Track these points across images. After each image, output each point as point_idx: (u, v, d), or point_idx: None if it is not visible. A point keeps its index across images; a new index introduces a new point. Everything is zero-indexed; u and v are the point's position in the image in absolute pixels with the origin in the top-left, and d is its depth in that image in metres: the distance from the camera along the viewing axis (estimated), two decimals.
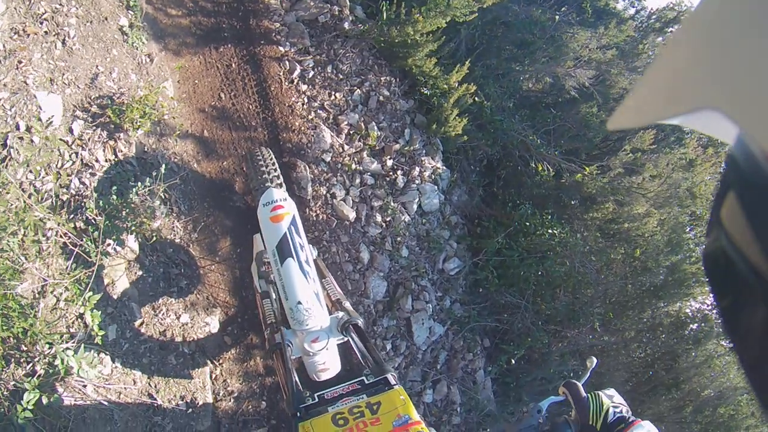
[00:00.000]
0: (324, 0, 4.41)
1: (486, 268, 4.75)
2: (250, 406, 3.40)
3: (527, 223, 4.78)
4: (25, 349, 2.31)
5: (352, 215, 4.11)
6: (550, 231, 4.78)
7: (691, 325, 5.32)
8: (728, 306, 0.43)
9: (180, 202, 3.44)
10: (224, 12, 4.19)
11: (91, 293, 2.52)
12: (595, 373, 2.76)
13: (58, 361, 2.26)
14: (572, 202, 4.92)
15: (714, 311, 5.75)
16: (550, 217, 4.81)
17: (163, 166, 3.09)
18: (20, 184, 2.48)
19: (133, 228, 2.89)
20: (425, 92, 4.60)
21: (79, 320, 2.56)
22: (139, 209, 2.91)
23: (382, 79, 4.50)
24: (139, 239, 3.05)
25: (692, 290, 5.02)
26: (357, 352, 2.56)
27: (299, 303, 2.48)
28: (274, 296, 2.85)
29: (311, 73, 4.25)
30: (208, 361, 3.29)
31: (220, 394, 3.32)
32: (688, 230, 5.47)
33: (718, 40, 0.39)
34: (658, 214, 4.91)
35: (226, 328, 3.46)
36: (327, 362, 2.64)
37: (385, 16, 4.25)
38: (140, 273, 3.08)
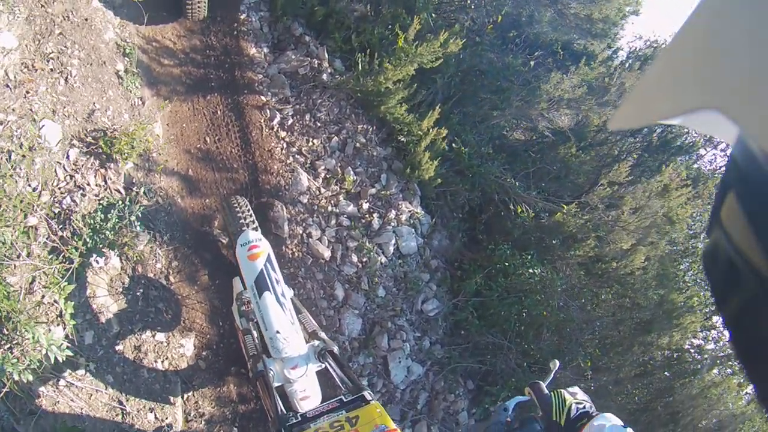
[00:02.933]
0: (305, 53, 4.73)
1: (465, 309, 4.76)
2: (221, 431, 3.47)
3: (507, 264, 4.80)
4: (6, 332, 2.56)
5: (327, 254, 4.24)
6: (530, 271, 4.78)
7: (685, 357, 5.22)
8: (727, 306, 0.42)
9: (163, 231, 3.69)
10: (212, 64, 4.54)
11: (66, 283, 2.79)
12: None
13: (29, 335, 2.49)
14: (554, 242, 4.93)
15: (707, 340, 5.63)
16: (530, 257, 4.83)
17: (144, 193, 3.43)
18: (19, 195, 2.83)
19: (115, 245, 3.19)
20: (402, 140, 4.80)
21: (56, 310, 2.84)
22: (123, 231, 3.21)
23: (359, 127, 4.73)
24: (122, 259, 3.32)
25: (681, 320, 4.94)
26: (336, 376, 2.75)
27: (277, 332, 2.72)
28: (255, 333, 3.05)
29: (290, 121, 4.51)
30: (180, 381, 3.42)
31: (192, 415, 3.43)
32: (676, 263, 5.45)
33: (717, 40, 0.39)
34: (645, 249, 4.88)
35: (201, 353, 3.61)
36: (307, 389, 2.82)
37: (360, 67, 4.52)
38: (120, 289, 3.32)
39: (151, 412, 3.19)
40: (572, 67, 5.10)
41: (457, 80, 5.02)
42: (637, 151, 5.55)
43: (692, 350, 5.78)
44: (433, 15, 4.95)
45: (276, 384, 2.69)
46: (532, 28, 5.46)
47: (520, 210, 4.85)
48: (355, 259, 4.36)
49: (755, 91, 0.34)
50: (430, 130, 4.54)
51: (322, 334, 2.94)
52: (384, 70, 4.38)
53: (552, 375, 2.89)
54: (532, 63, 5.07)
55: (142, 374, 3.23)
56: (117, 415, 3.03)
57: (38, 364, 2.59)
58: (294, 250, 4.21)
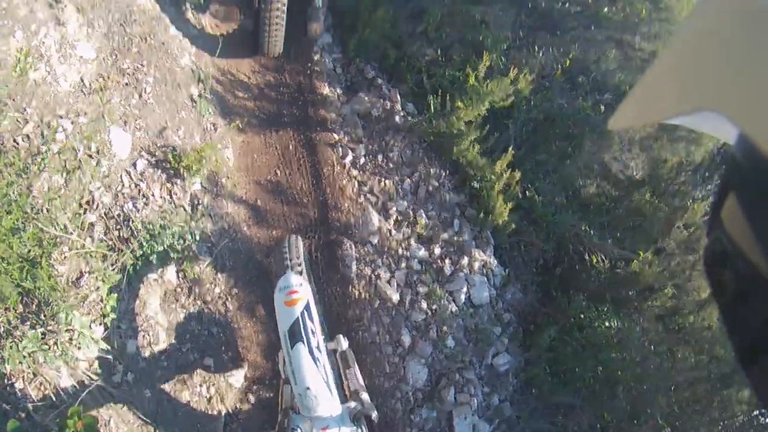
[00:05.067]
0: (377, 96, 4.73)
1: (538, 365, 4.48)
2: None
3: (582, 316, 4.55)
4: (43, 317, 2.46)
5: (395, 297, 4.07)
6: (606, 324, 4.51)
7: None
8: (728, 306, 0.43)
9: (226, 257, 3.62)
10: (286, 100, 4.60)
11: (113, 272, 2.71)
12: None
13: (62, 315, 2.39)
14: (630, 293, 4.66)
15: None
16: (606, 309, 4.57)
17: (209, 215, 3.42)
18: (81, 192, 2.81)
19: (173, 260, 3.12)
20: (475, 186, 4.67)
21: (100, 309, 2.75)
22: (183, 249, 3.17)
23: (431, 170, 4.63)
24: (179, 276, 3.25)
25: None
26: None
27: (307, 389, 2.44)
28: None
29: (363, 160, 4.46)
30: (225, 411, 3.23)
31: None
32: None
33: (718, 40, 0.39)
34: None
35: (251, 387, 3.44)
36: None
37: (432, 109, 4.49)
38: (173, 306, 3.21)
39: None
40: None
41: (529, 128, 4.95)
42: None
43: None
44: (503, 58, 4.93)
45: None
46: (599, 70, 5.38)
47: (595, 260, 4.62)
48: (424, 305, 4.17)
49: (755, 92, 0.33)
50: (504, 173, 4.42)
51: (364, 396, 2.66)
52: (456, 109, 4.34)
53: None
54: (602, 107, 4.96)
55: (183, 397, 3.05)
56: None
57: (70, 355, 2.47)
58: (361, 291, 4.07)
